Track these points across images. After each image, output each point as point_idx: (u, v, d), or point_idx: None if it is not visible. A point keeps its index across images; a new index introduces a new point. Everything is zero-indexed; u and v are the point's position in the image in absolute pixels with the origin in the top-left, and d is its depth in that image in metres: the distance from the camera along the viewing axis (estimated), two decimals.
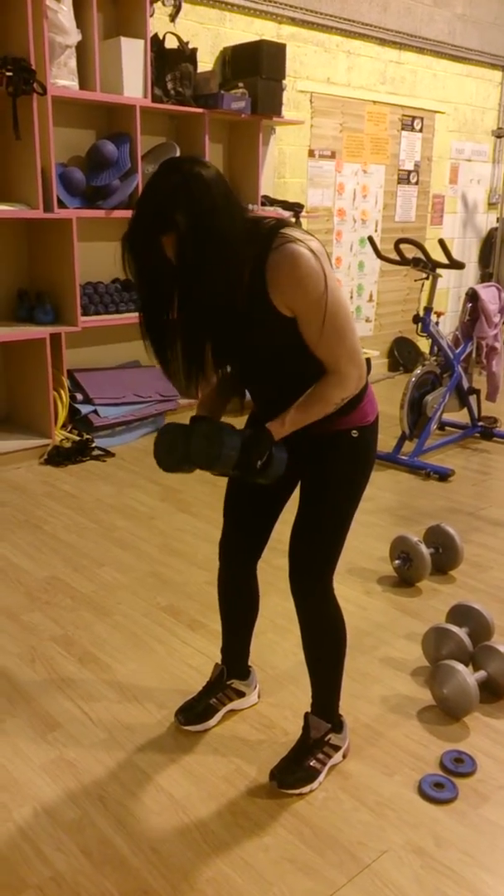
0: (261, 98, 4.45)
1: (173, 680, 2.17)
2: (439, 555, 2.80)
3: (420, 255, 4.13)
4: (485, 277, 6.83)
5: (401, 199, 6.02)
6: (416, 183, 6.11)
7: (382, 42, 5.51)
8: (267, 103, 4.49)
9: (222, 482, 1.87)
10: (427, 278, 4.21)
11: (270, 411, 1.60)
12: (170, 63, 4.17)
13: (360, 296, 5.93)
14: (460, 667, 2.00)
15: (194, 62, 4.28)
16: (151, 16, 4.06)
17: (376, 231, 5.88)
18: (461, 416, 4.58)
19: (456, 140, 6.35)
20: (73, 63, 3.79)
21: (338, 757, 1.84)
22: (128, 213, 1.47)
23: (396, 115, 5.78)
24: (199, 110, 4.26)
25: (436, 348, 4.19)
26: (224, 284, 1.42)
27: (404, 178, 6.00)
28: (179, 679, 2.17)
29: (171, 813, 1.70)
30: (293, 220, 4.93)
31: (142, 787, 1.77)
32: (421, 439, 4.01)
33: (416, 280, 4.77)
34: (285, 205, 4.92)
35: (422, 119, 5.99)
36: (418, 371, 4.03)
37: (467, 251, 6.76)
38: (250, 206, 4.68)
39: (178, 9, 4.29)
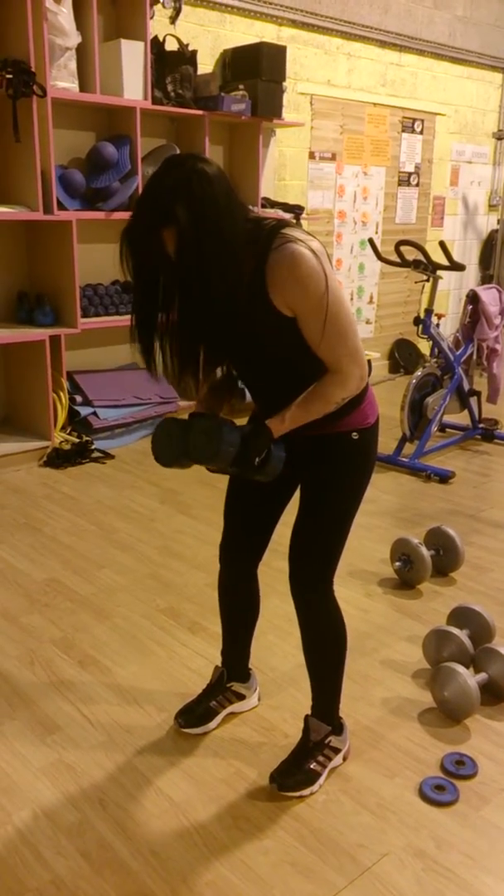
0: (261, 100, 4.45)
1: (173, 682, 2.16)
2: (440, 557, 2.79)
3: (420, 257, 4.12)
4: (485, 279, 6.83)
5: (401, 201, 6.03)
6: (417, 185, 6.11)
7: (383, 44, 5.52)
8: (267, 105, 4.49)
9: (222, 484, 1.86)
10: (427, 280, 4.21)
11: (271, 410, 1.60)
12: (170, 65, 4.18)
13: (361, 298, 5.93)
14: (461, 669, 2.00)
15: (194, 64, 4.28)
16: (151, 18, 4.06)
17: (377, 233, 5.88)
18: (462, 418, 4.57)
19: (456, 142, 6.35)
20: (73, 65, 3.80)
21: (338, 759, 1.84)
22: (128, 215, 1.46)
23: (397, 117, 5.78)
24: (200, 112, 4.27)
25: (436, 350, 4.19)
26: (224, 281, 1.41)
27: (405, 180, 6.00)
28: (179, 682, 2.16)
29: (171, 816, 1.70)
30: (294, 220, 4.93)
31: (141, 791, 1.77)
32: (422, 441, 4.01)
33: (416, 282, 4.77)
34: (286, 207, 4.92)
35: (422, 121, 5.99)
36: (419, 373, 4.03)
37: (468, 253, 6.76)
38: (251, 208, 4.68)
39: (178, 11, 4.30)
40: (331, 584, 1.73)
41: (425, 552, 2.68)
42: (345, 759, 1.86)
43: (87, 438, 4.07)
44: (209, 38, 4.56)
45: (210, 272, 1.40)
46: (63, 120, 4.02)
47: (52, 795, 1.75)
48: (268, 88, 4.48)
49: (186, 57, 4.25)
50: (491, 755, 1.90)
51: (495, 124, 6.66)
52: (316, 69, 5.16)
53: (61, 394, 4.02)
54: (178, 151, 4.35)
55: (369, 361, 1.63)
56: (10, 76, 3.50)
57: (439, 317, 4.44)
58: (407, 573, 2.73)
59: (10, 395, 4.22)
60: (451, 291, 6.63)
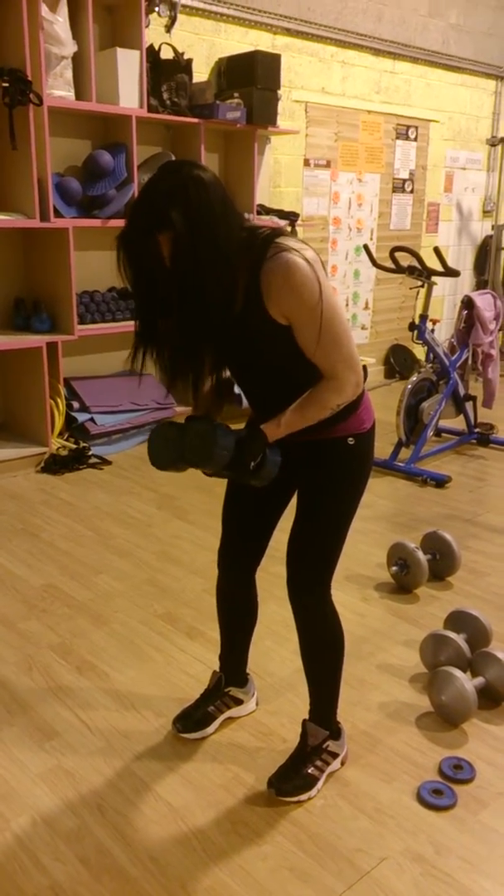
0: (256, 108, 4.47)
1: (171, 688, 2.16)
2: (437, 561, 2.80)
3: (415, 263, 4.15)
4: (480, 285, 6.86)
5: (396, 208, 6.06)
6: (411, 191, 6.15)
7: (377, 52, 5.55)
8: (262, 113, 4.52)
9: (219, 489, 1.87)
10: (422, 286, 4.23)
11: (267, 415, 1.61)
12: (165, 73, 4.20)
13: (356, 304, 5.96)
14: (458, 673, 2.00)
15: (190, 73, 4.31)
16: (147, 27, 4.09)
17: (372, 239, 5.91)
18: (458, 423, 4.59)
19: (450, 149, 6.39)
20: (69, 74, 3.82)
21: (336, 764, 1.84)
22: (124, 222, 1.47)
23: (391, 124, 5.82)
24: (195, 120, 4.29)
25: (431, 355, 4.21)
26: (218, 287, 1.42)
27: (399, 187, 6.03)
28: (177, 687, 2.17)
29: (170, 821, 1.70)
30: (288, 229, 4.95)
31: (140, 796, 1.77)
32: (417, 446, 4.02)
33: (411, 288, 4.79)
34: (281, 214, 4.94)
35: (416, 128, 6.03)
36: (414, 378, 4.05)
37: (462, 259, 6.79)
38: (247, 215, 4.70)
39: (173, 20, 4.32)
40: (328, 588, 1.73)
41: (422, 556, 2.69)
42: (343, 763, 1.86)
43: (85, 444, 4.07)
44: (204, 46, 4.58)
45: (205, 278, 1.40)
46: (59, 128, 4.04)
47: (51, 801, 1.75)
48: (263, 96, 4.50)
49: (182, 65, 4.27)
50: (488, 759, 1.90)
51: (489, 131, 6.70)
52: (310, 77, 5.20)
53: (58, 400, 4.03)
54: (173, 159, 4.37)
55: (365, 367, 1.64)
56: (6, 85, 3.52)
57: (434, 322, 4.46)
58: (404, 577, 2.74)
59: (8, 401, 4.23)
60: (446, 297, 6.66)
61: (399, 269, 4.24)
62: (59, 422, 4.05)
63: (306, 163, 5.32)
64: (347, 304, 5.88)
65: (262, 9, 4.75)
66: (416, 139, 6.05)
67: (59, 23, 3.69)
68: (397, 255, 4.22)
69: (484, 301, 4.33)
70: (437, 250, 4.04)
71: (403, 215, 6.14)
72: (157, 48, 4.22)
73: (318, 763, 1.79)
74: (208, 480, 1.80)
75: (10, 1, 3.54)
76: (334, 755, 1.83)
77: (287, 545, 1.73)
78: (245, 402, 1.77)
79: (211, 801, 1.75)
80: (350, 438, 1.65)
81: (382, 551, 2.97)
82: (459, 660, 2.14)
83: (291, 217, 4.97)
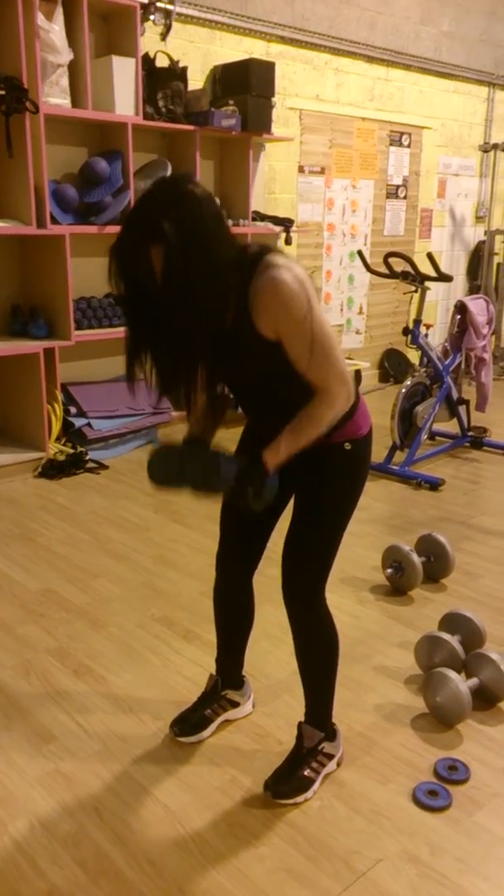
0: (251, 115, 4.50)
1: (168, 691, 2.17)
2: (431, 563, 2.82)
3: (409, 268, 4.18)
4: (473, 290, 6.90)
5: (389, 214, 6.09)
6: (405, 197, 6.18)
7: (370, 59, 5.60)
8: (257, 120, 4.55)
9: None
10: (416, 291, 4.26)
11: (262, 424, 1.63)
12: (161, 81, 4.23)
13: (351, 308, 5.99)
14: (453, 674, 2.02)
15: (185, 80, 4.34)
16: (142, 35, 4.12)
17: (366, 245, 5.94)
18: (451, 426, 4.61)
19: (443, 155, 6.43)
20: (65, 82, 3.84)
21: (332, 766, 1.85)
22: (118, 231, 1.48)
23: (384, 130, 5.86)
24: (190, 128, 4.32)
25: (425, 360, 4.23)
26: (209, 302, 1.43)
27: (393, 193, 6.07)
28: (174, 690, 2.18)
29: (167, 824, 1.71)
30: (281, 239, 4.99)
31: (137, 799, 1.78)
32: (412, 449, 4.04)
33: (405, 293, 4.82)
34: (275, 220, 4.97)
35: (409, 135, 6.07)
36: (408, 382, 4.07)
37: (455, 264, 6.83)
38: (240, 222, 4.73)
39: (168, 28, 4.35)
40: (323, 591, 1.75)
41: (416, 559, 2.71)
42: (338, 765, 1.87)
43: (82, 449, 4.08)
44: (199, 54, 4.62)
45: (195, 292, 1.41)
46: (56, 136, 4.06)
47: (48, 805, 1.76)
48: (257, 104, 4.54)
49: (177, 73, 4.30)
50: (483, 760, 1.92)
51: (481, 137, 6.75)
52: (304, 84, 5.23)
53: (56, 405, 4.04)
54: (169, 166, 4.40)
55: (358, 372, 1.66)
56: (2, 93, 3.54)
57: (428, 327, 4.49)
58: (398, 580, 2.75)
59: (5, 406, 4.24)
60: (440, 302, 6.70)
61: (393, 275, 4.27)
62: (57, 427, 4.06)
63: (301, 169, 5.35)
64: (342, 309, 5.91)
65: (257, 17, 4.79)
66: (409, 146, 6.09)
67: (55, 31, 3.72)
68: (391, 260, 4.25)
69: (477, 306, 4.36)
70: (430, 256, 4.08)
71: (397, 221, 6.17)
72: (152, 56, 4.25)
73: (314, 765, 1.81)
74: None
75: (7, 9, 3.57)
76: (330, 757, 1.84)
77: (283, 548, 1.74)
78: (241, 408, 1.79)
79: (208, 804, 1.76)
80: (347, 444, 1.66)
81: (377, 554, 2.99)
82: (454, 661, 2.16)
83: (286, 223, 5.00)
